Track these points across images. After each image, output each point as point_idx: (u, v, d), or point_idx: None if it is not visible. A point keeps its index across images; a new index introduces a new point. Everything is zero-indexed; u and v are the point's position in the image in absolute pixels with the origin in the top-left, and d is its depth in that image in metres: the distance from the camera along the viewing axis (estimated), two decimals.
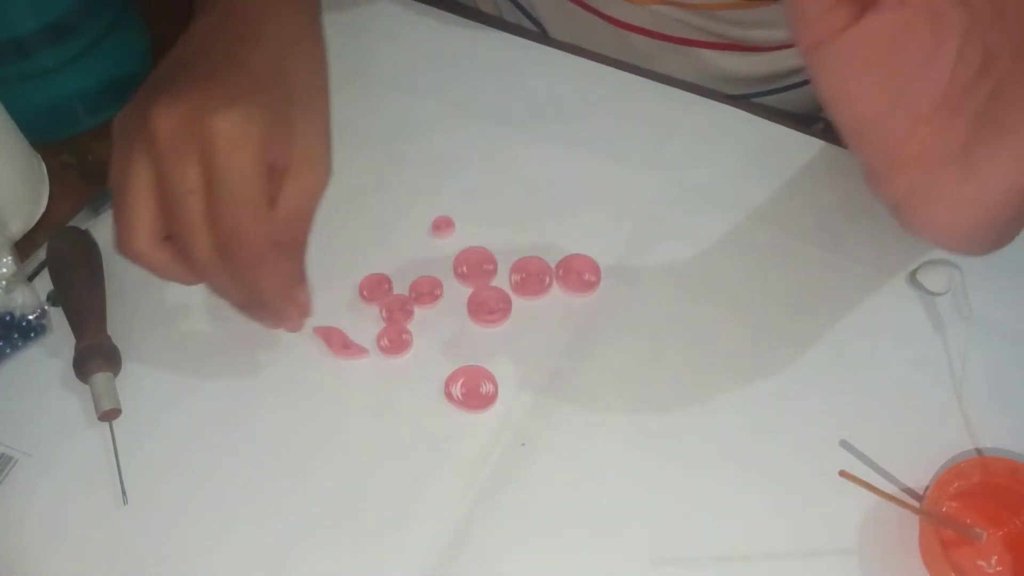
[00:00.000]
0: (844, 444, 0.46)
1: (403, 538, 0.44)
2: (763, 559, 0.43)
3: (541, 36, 0.66)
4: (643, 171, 0.55)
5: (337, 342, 0.49)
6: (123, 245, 0.42)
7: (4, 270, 0.50)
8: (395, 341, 0.49)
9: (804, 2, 0.33)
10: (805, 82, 0.65)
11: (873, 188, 0.37)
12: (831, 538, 0.43)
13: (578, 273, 0.51)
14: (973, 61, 0.34)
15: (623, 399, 0.47)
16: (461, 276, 0.51)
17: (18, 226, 0.53)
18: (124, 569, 0.43)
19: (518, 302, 0.50)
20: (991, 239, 0.37)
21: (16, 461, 0.46)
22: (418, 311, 0.50)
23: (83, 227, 0.53)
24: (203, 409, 0.48)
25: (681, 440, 0.46)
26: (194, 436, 0.47)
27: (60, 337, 0.49)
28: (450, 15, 0.62)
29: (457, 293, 0.51)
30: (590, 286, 0.51)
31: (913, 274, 0.50)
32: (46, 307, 0.50)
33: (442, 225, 0.53)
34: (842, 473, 0.40)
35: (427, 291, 0.51)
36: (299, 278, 0.45)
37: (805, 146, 0.55)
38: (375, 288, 0.51)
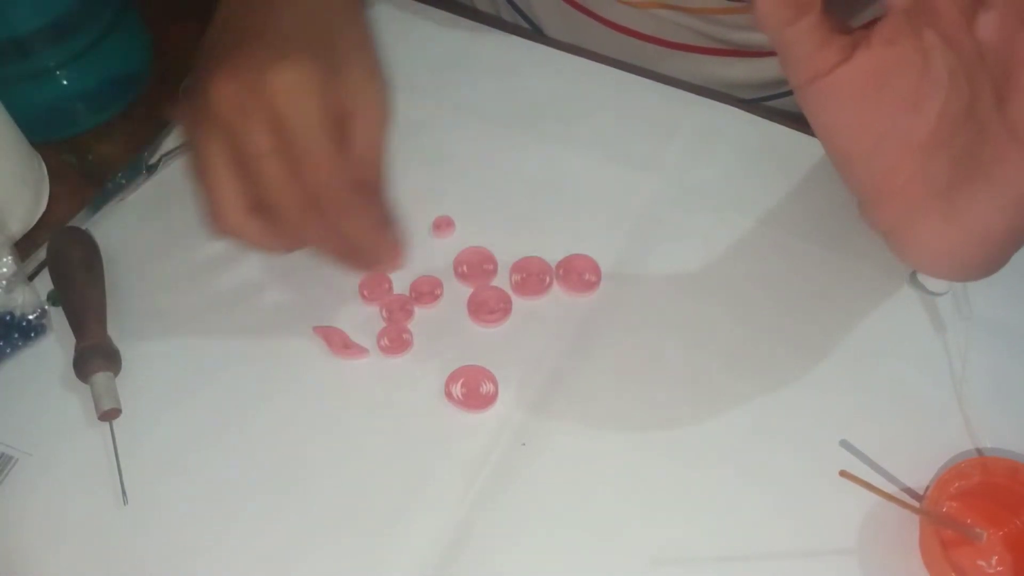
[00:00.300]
0: (844, 444, 0.46)
1: (403, 538, 0.44)
2: (763, 559, 0.43)
3: (541, 36, 0.66)
4: (643, 171, 0.55)
5: (337, 342, 0.49)
6: (216, 222, 0.42)
7: (4, 270, 0.50)
8: (395, 341, 0.49)
9: (795, 40, 0.34)
10: None
11: (862, 216, 0.38)
12: (831, 538, 0.43)
13: (578, 273, 0.51)
14: (960, 101, 0.34)
15: (623, 399, 0.47)
16: (461, 276, 0.51)
17: (18, 226, 0.53)
18: (124, 569, 0.43)
19: (518, 302, 0.50)
20: (978, 270, 0.37)
21: (16, 461, 0.46)
22: (418, 311, 0.50)
23: (83, 227, 0.53)
24: (203, 409, 0.48)
25: (681, 440, 0.46)
26: (194, 436, 0.47)
27: (60, 337, 0.50)
28: (450, 15, 0.62)
29: (457, 293, 0.51)
30: (590, 286, 0.51)
31: (913, 274, 0.50)
32: (46, 307, 0.50)
33: (442, 225, 0.53)
34: (842, 473, 0.40)
35: (427, 291, 0.51)
36: (386, 219, 0.45)
37: (805, 146, 0.55)
38: (375, 288, 0.51)
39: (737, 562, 0.43)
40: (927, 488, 0.43)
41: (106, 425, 0.46)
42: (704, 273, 0.51)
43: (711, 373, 0.48)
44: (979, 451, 0.45)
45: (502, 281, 0.51)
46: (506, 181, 0.55)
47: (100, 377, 0.47)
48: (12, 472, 0.46)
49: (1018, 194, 0.33)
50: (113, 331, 0.49)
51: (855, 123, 0.36)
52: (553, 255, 0.51)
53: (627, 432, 0.46)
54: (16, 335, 0.49)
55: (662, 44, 0.63)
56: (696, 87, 0.59)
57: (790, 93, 0.66)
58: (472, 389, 0.48)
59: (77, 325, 0.48)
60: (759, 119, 0.57)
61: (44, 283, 0.51)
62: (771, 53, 0.63)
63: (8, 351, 0.49)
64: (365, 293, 0.51)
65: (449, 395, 0.47)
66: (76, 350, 0.48)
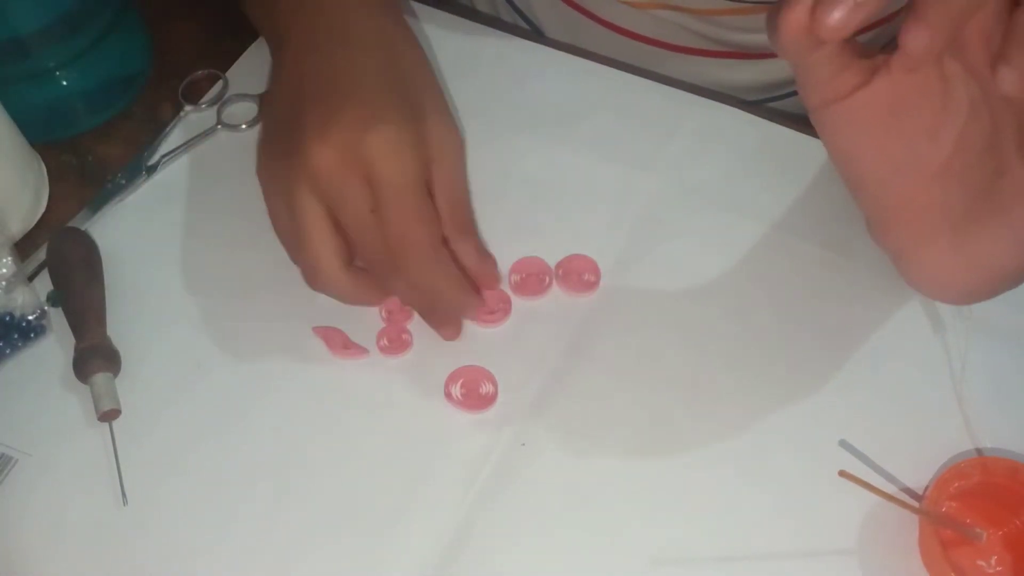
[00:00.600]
0: (844, 444, 0.46)
1: (403, 538, 0.44)
2: (763, 559, 0.43)
3: (541, 36, 0.66)
4: (643, 171, 0.55)
5: (337, 342, 0.49)
6: (316, 280, 0.45)
7: (4, 270, 0.50)
8: (395, 341, 0.49)
9: (814, 63, 0.33)
10: None
11: (869, 233, 0.38)
12: (831, 538, 0.43)
13: (578, 273, 0.51)
14: (980, 133, 0.33)
15: (623, 399, 0.47)
16: None
17: (18, 226, 0.53)
18: (124, 569, 0.44)
19: (518, 302, 0.50)
20: (982, 298, 0.37)
21: (16, 461, 0.46)
22: None
23: (83, 227, 0.53)
24: (203, 409, 0.48)
25: (681, 440, 0.46)
26: (194, 436, 0.47)
27: (60, 337, 0.50)
28: (449, 16, 0.62)
29: None
30: (590, 286, 0.51)
31: None
32: (46, 307, 0.50)
33: None
34: (842, 473, 0.40)
35: None
36: (482, 256, 0.49)
37: (805, 147, 0.55)
38: None
39: (737, 562, 0.43)
40: (927, 488, 0.43)
41: (106, 425, 0.46)
42: (704, 273, 0.51)
43: (711, 373, 0.48)
44: (979, 451, 0.45)
45: (502, 281, 0.51)
46: (505, 181, 0.55)
47: (100, 378, 0.47)
48: (12, 472, 0.46)
49: None
50: (113, 331, 0.49)
51: (870, 148, 0.35)
52: (553, 255, 0.51)
53: (627, 432, 0.46)
54: (16, 336, 0.49)
55: (662, 46, 0.63)
56: (696, 87, 0.59)
57: (791, 95, 0.66)
58: (472, 389, 0.48)
59: (77, 325, 0.48)
60: (759, 119, 0.57)
61: (44, 284, 0.51)
62: (772, 55, 0.63)
63: (8, 352, 0.49)
64: None
65: (449, 395, 0.47)
66: (76, 351, 0.48)
